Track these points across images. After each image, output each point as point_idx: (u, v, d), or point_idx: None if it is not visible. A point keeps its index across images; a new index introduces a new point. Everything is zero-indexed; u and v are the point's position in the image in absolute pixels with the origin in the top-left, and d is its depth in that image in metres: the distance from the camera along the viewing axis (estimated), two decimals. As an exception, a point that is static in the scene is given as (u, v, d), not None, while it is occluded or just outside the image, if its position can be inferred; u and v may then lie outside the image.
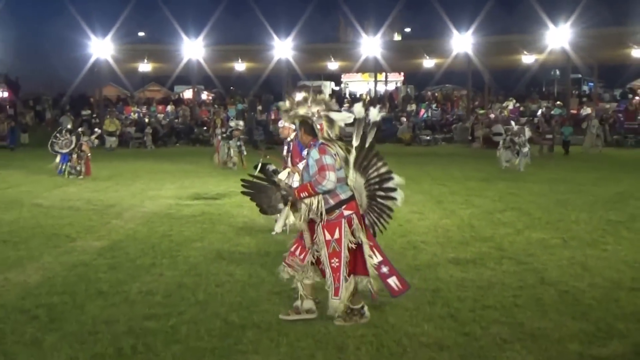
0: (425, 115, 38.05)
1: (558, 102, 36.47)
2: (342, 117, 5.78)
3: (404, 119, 35.38)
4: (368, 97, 43.12)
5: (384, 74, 41.91)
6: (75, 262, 7.95)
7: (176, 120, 37.62)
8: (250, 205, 11.15)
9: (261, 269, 7.49)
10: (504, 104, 38.00)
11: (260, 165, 6.73)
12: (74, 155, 17.76)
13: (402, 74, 48.94)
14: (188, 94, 45.74)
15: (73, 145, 17.79)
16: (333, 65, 40.07)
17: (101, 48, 35.45)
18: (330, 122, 5.70)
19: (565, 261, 7.87)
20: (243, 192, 6.01)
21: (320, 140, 5.62)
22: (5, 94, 44.72)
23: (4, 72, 42.48)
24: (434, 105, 39.89)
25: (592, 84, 44.32)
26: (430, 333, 5.41)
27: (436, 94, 43.60)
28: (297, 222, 5.83)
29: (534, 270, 7.43)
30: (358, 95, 45.63)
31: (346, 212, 5.57)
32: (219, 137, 20.97)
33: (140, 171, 19.30)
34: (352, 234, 5.56)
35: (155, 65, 40.37)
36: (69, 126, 18.66)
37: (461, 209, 11.87)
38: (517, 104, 38.22)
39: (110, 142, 30.54)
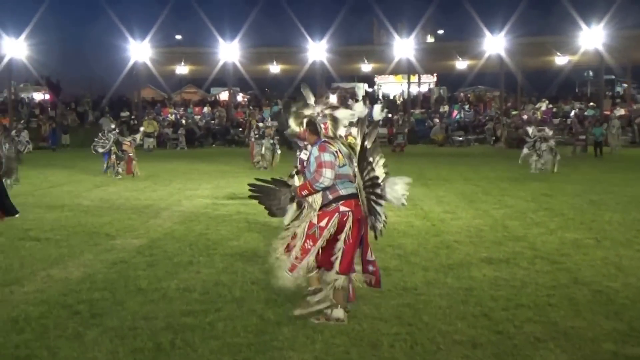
0: (458, 117, 37.83)
1: (591, 103, 35.97)
2: (345, 115, 5.74)
3: (437, 120, 35.22)
4: (401, 99, 43.00)
5: (417, 75, 41.74)
6: (115, 260, 8.05)
7: (212, 122, 37.95)
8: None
9: (296, 267, 7.50)
10: (537, 105, 37.60)
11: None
12: (113, 156, 18.02)
13: (435, 75, 48.77)
14: (224, 95, 46.08)
15: (109, 146, 18.06)
16: (366, 67, 40.07)
17: (140, 51, 35.93)
18: (334, 120, 5.65)
19: (598, 261, 7.76)
20: (251, 197, 6.08)
21: (323, 139, 5.61)
22: (47, 96, 45.52)
23: (45, 75, 43.19)
24: (466, 107, 39.64)
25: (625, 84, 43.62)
26: (463, 331, 5.37)
27: (469, 95, 43.34)
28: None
29: (567, 270, 7.34)
30: (391, 97, 45.48)
31: (342, 208, 5.48)
32: (252, 139, 21.12)
33: (177, 171, 19.50)
34: (340, 230, 5.44)
35: (192, 67, 40.78)
36: (112, 126, 18.97)
37: (494, 209, 11.77)
38: (550, 105, 37.78)
39: (148, 143, 30.90)
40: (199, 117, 39.68)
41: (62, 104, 40.23)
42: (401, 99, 43.32)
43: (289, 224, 5.85)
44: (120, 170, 17.91)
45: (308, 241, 5.49)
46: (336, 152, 5.51)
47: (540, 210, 11.64)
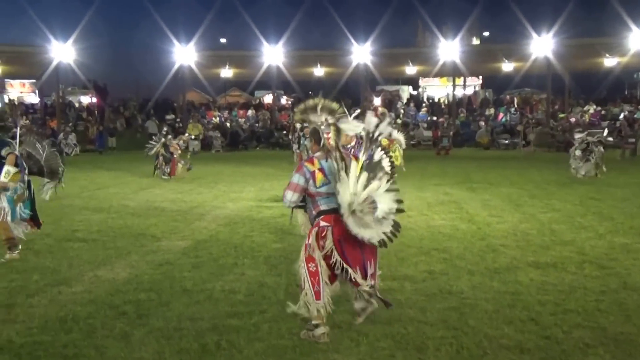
0: (503, 119, 37.35)
1: (642, 105, 35.20)
2: (350, 127, 5.62)
3: (482, 123, 34.84)
4: (446, 101, 42.69)
5: (462, 78, 41.37)
6: (161, 261, 8.17)
7: (257, 125, 38.19)
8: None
9: (340, 270, 7.51)
10: (585, 108, 36.93)
11: None
12: (160, 157, 18.28)
13: (480, 77, 48.27)
14: (268, 98, 46.32)
15: (156, 148, 18.34)
16: (411, 69, 39.82)
17: (185, 54, 36.31)
18: (338, 131, 5.52)
19: (650, 267, 7.60)
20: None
21: (312, 155, 5.61)
22: (94, 100, 46.37)
23: (92, 79, 43.96)
24: (512, 109, 39.13)
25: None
26: (510, 336, 5.31)
27: (515, 98, 42.75)
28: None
29: (616, 275, 7.20)
30: (436, 100, 45.18)
31: (322, 223, 5.38)
32: (295, 148, 20.96)
33: (222, 174, 19.69)
34: (319, 244, 5.33)
35: (236, 70, 41.07)
36: (165, 129, 19.35)
37: (541, 213, 11.60)
38: (599, 108, 37.09)
39: (193, 146, 31.24)
40: (243, 120, 39.96)
41: (109, 107, 40.89)
42: (446, 101, 42.98)
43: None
44: (166, 169, 18.15)
45: (310, 264, 5.36)
46: (314, 172, 5.43)
47: (589, 214, 11.44)
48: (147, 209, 12.67)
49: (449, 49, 35.58)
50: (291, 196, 5.50)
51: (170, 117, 38.16)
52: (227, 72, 40.75)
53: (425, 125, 35.49)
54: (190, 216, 11.80)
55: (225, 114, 41.68)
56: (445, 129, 32.32)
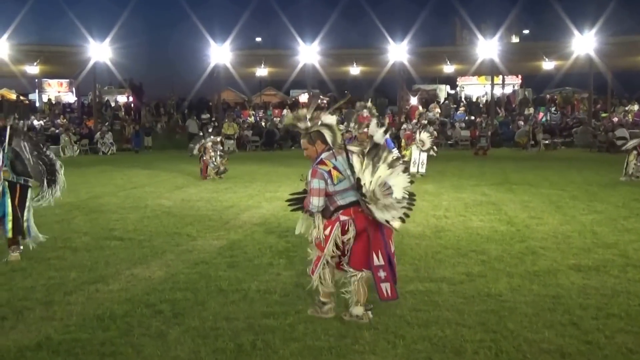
0: (544, 119, 36.90)
1: (688, 105, 34.49)
2: (333, 120, 5.90)
3: (522, 123, 34.45)
4: (484, 100, 42.32)
5: (500, 76, 40.96)
6: (196, 260, 8.25)
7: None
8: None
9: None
10: (628, 108, 36.28)
11: None
12: (204, 157, 18.31)
13: (520, 76, 47.72)
14: (303, 97, 46.44)
15: (196, 149, 18.47)
16: (449, 68, 39.52)
17: (220, 54, 36.53)
18: (330, 129, 5.80)
19: (697, 271, 7.44)
20: (292, 210, 6.47)
21: (321, 157, 5.77)
22: (130, 99, 46.95)
23: (128, 78, 44.50)
24: (553, 109, 38.61)
25: None
26: (551, 340, 5.25)
27: (555, 97, 42.21)
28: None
29: (662, 280, 7.07)
30: (474, 99, 44.84)
31: (342, 217, 5.71)
32: None
33: (257, 173, 19.78)
34: (343, 236, 5.72)
35: (271, 69, 41.20)
36: (210, 129, 19.43)
37: (582, 215, 11.44)
38: (643, 107, 36.41)
39: (228, 145, 31.45)
40: (278, 119, 40.11)
41: (145, 107, 41.35)
42: (484, 100, 42.61)
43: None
44: (212, 166, 18.17)
45: (317, 250, 5.85)
46: (329, 171, 5.68)
47: (632, 216, 11.24)
48: (183, 208, 12.80)
49: (488, 47, 35.25)
50: (317, 201, 5.70)
51: (205, 116, 38.44)
52: (262, 71, 40.87)
53: (463, 124, 35.24)
54: (226, 215, 11.89)
55: (261, 113, 41.88)
56: (484, 128, 32.01)
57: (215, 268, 7.79)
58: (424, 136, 18.56)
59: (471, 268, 7.64)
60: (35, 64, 35.96)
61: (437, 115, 20.45)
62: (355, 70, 39.93)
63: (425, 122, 20.05)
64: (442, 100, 43.30)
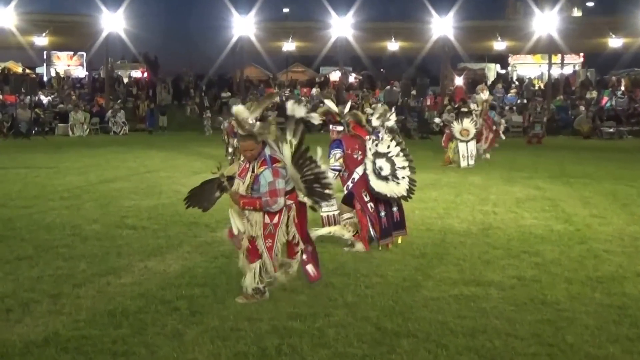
0: (608, 104, 36.37)
1: None
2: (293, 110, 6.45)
3: (582, 108, 34.02)
4: (540, 82, 41.87)
5: (559, 55, 40.47)
6: (216, 254, 8.29)
7: (321, 105, 38.27)
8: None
9: (416, 272, 7.51)
10: None
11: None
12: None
13: (582, 55, 47.13)
14: (335, 75, 46.36)
15: (226, 123, 18.47)
16: (500, 45, 39.12)
17: (243, 26, 36.53)
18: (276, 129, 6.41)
19: None
20: (186, 207, 6.85)
21: (267, 154, 6.31)
22: (145, 74, 47.26)
23: (143, 51, 44.82)
24: (619, 92, 38.04)
25: None
26: (616, 356, 5.18)
27: (622, 80, 41.58)
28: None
29: None
30: (527, 80, 44.41)
31: (288, 202, 6.41)
32: None
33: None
34: (288, 221, 6.46)
35: (300, 44, 41.18)
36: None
37: (653, 214, 11.31)
38: None
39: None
40: (306, 98, 40.09)
41: (160, 83, 41.57)
42: (540, 82, 42.22)
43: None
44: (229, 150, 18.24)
45: (268, 240, 6.39)
46: (283, 167, 6.32)
47: None
48: (201, 196, 12.84)
49: (545, 21, 34.84)
50: (282, 201, 6.29)
51: (226, 94, 38.58)
52: (289, 46, 40.87)
53: (514, 109, 34.90)
54: (248, 205, 11.89)
55: (287, 92, 41.89)
56: (538, 114, 31.68)
57: (236, 263, 7.77)
58: (468, 124, 18.41)
59: (523, 271, 7.57)
60: (43, 34, 36.39)
61: (485, 97, 20.22)
62: (393, 45, 39.71)
63: (478, 107, 19.75)
64: (490, 81, 42.95)
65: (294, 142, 6.25)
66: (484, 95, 20.72)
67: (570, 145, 27.03)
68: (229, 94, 39.16)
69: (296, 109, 6.44)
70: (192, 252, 8.41)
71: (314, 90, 41.09)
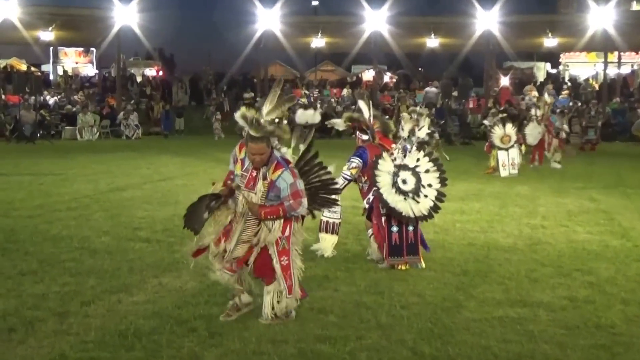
0: (670, 107, 36.01)
1: None
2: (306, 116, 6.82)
3: (642, 111, 33.71)
4: (594, 83, 41.54)
5: (616, 53, 40.15)
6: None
7: (353, 107, 38.24)
8: (445, 210, 11.18)
9: (457, 291, 7.49)
10: None
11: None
12: None
13: (641, 53, 46.75)
14: (368, 75, 46.36)
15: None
16: (550, 41, 38.89)
17: (268, 20, 36.58)
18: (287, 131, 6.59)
19: None
20: (183, 227, 6.67)
21: (277, 156, 6.37)
22: (160, 73, 47.52)
23: (158, 48, 44.99)
24: (684, 95, 37.66)
25: None
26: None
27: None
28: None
29: None
30: (581, 80, 44.09)
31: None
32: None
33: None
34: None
35: (329, 40, 41.17)
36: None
37: None
38: None
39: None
40: (336, 100, 40.11)
41: (177, 82, 41.78)
42: (594, 83, 41.89)
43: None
44: None
45: (283, 258, 6.41)
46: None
47: None
48: (220, 206, 12.89)
49: (601, 15, 34.61)
50: (306, 202, 6.34)
51: (248, 95, 38.70)
52: (318, 42, 40.89)
53: (566, 112, 34.65)
54: (272, 216, 11.93)
55: (316, 93, 41.94)
56: (592, 117, 31.44)
57: (259, 280, 7.83)
58: (510, 130, 18.33)
59: (575, 291, 7.53)
60: (50, 29, 36.58)
61: (549, 100, 20.13)
62: (433, 42, 39.62)
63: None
64: (539, 81, 42.69)
65: (302, 148, 6.39)
66: (547, 97, 20.66)
67: (628, 153, 26.80)
68: (252, 94, 39.27)
69: (309, 116, 6.55)
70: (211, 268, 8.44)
71: (345, 91, 41.07)
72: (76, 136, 30.95)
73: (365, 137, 9.12)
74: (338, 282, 7.83)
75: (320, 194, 6.67)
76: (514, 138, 18.30)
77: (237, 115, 6.24)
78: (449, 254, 9.18)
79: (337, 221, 9.11)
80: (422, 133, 8.89)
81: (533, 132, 19.90)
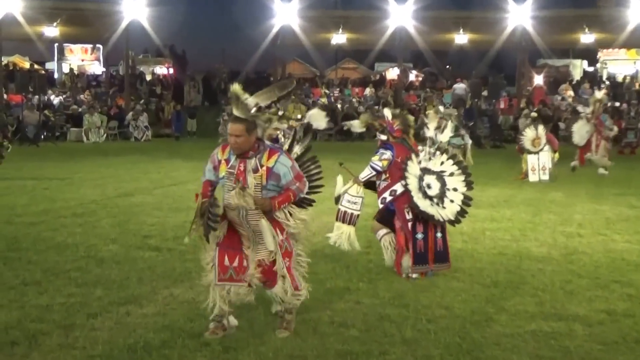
0: None
1: None
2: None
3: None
4: (636, 82, 41.26)
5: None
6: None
7: (376, 107, 38.21)
8: (474, 217, 11.18)
9: (487, 304, 7.48)
10: None
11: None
12: None
13: (688, 50, 46.45)
14: (392, 73, 46.33)
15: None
16: (587, 37, 38.78)
17: (286, 14, 36.59)
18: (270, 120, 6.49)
19: None
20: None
21: (269, 144, 6.39)
22: (171, 71, 47.62)
23: (169, 44, 45.06)
24: None
25: None
26: None
27: None
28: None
29: None
30: (620, 79, 43.84)
31: None
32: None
33: (330, 170, 19.74)
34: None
35: (351, 36, 41.22)
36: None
37: None
38: None
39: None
40: (358, 100, 40.08)
41: (189, 80, 41.87)
42: (636, 82, 41.65)
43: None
44: None
45: (286, 259, 6.46)
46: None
47: None
48: (234, 213, 12.92)
49: (642, 10, 34.41)
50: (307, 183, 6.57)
51: (265, 94, 38.71)
52: (339, 38, 40.95)
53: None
54: (289, 223, 11.93)
55: (336, 92, 41.96)
56: (632, 119, 31.34)
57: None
58: (542, 131, 18.22)
59: (613, 304, 7.50)
60: (54, 24, 36.86)
61: (600, 96, 19.87)
62: (461, 38, 39.61)
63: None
64: (575, 80, 42.47)
65: (298, 151, 6.69)
66: (598, 94, 20.43)
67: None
68: (269, 93, 39.25)
69: (314, 118, 6.65)
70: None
71: (368, 91, 41.05)
72: (82, 138, 31.12)
73: (383, 137, 9.13)
74: (360, 294, 7.83)
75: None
76: (544, 140, 18.18)
77: (231, 90, 6.36)
78: (479, 264, 9.17)
79: (355, 212, 9.00)
80: (445, 137, 8.93)
81: (580, 130, 19.57)
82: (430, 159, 8.69)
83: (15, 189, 15.50)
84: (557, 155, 18.58)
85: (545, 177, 18.09)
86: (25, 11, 33.77)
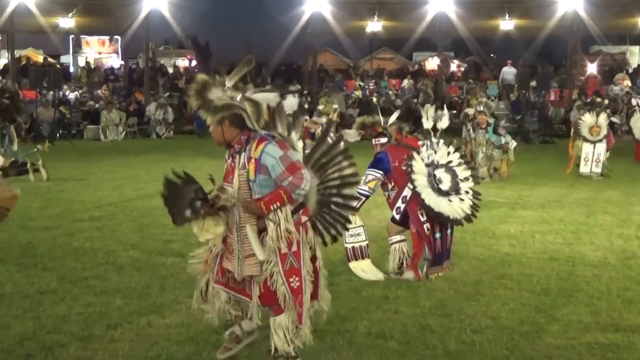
0: None
1: None
2: (266, 97, 5.89)
3: None
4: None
5: None
6: (282, 288, 8.35)
7: (415, 100, 38.10)
8: (522, 219, 11.14)
9: (537, 313, 7.45)
10: None
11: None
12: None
13: None
14: (432, 63, 46.22)
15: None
16: (646, 21, 38.44)
17: (316, 1, 36.57)
18: (256, 106, 5.81)
19: None
20: (162, 195, 6.09)
21: (262, 133, 5.79)
22: (194, 63, 47.83)
23: (191, 35, 45.24)
24: None
25: None
26: None
27: None
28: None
29: None
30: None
31: (303, 219, 5.91)
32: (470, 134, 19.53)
33: (364, 169, 19.77)
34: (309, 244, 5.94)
35: (387, 24, 41.08)
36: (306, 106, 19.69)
37: None
38: None
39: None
40: (395, 92, 39.98)
41: (213, 73, 41.94)
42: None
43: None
44: None
45: (292, 278, 5.80)
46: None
47: None
48: (261, 215, 12.94)
49: None
50: (308, 174, 5.77)
51: (294, 87, 38.72)
52: (374, 26, 40.84)
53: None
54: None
55: (371, 85, 41.89)
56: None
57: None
58: (602, 120, 17.96)
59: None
60: (70, 15, 37.01)
61: (628, 89, 19.67)
62: (507, 24, 39.32)
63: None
64: (631, 68, 42.10)
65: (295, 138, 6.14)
66: (624, 85, 20.28)
67: None
68: (298, 86, 39.29)
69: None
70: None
71: (406, 82, 40.93)
72: (99, 136, 31.26)
73: (383, 140, 9.17)
74: (399, 303, 7.83)
75: (333, 203, 6.15)
76: (604, 131, 17.92)
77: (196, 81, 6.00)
78: (528, 270, 9.12)
79: (363, 244, 8.99)
80: (444, 123, 8.99)
81: (638, 124, 19.44)
82: (435, 151, 8.72)
83: (30, 191, 15.54)
84: (608, 153, 18.40)
85: (598, 169, 17.81)
86: (39, 1, 33.96)
